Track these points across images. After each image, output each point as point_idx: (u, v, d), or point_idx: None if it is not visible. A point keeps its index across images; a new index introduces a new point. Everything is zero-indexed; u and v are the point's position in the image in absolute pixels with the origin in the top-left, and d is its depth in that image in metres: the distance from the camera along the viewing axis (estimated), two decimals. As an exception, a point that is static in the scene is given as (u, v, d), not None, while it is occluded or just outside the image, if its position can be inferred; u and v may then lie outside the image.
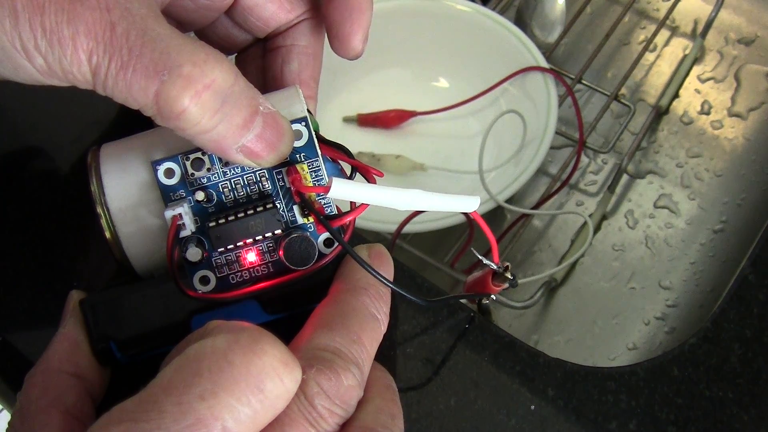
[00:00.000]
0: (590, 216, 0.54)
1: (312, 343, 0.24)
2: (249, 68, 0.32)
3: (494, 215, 0.59)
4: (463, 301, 0.35)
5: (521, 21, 0.64)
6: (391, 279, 0.27)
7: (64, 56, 0.22)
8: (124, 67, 0.22)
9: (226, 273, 0.26)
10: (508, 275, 0.28)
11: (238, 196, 0.26)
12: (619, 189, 0.60)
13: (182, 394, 0.20)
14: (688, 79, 0.64)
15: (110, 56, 0.22)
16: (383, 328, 0.26)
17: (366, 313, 0.26)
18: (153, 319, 0.27)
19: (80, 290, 0.28)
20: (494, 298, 0.31)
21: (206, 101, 0.23)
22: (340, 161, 0.27)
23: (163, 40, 0.22)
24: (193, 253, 0.26)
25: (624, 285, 0.56)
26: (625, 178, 0.60)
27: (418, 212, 0.35)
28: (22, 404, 0.25)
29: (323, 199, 0.26)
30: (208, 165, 0.26)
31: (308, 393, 0.22)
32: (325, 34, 0.30)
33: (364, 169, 0.27)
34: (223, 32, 0.31)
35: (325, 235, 0.27)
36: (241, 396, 0.20)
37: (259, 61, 0.31)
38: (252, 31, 0.31)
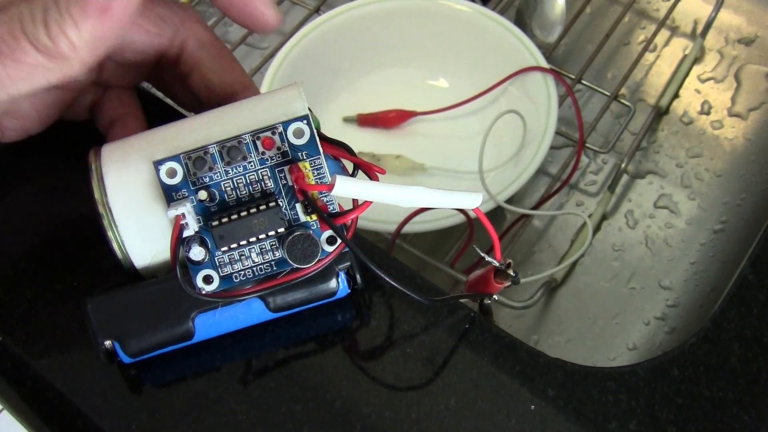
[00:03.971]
0: (590, 216, 0.54)
1: None
2: (176, 88, 0.32)
3: (494, 215, 0.59)
4: (463, 300, 0.35)
5: (521, 21, 0.64)
6: None
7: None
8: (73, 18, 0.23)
9: (229, 272, 0.26)
10: (511, 272, 0.29)
11: (241, 194, 0.26)
12: (619, 189, 0.60)
13: None
14: (688, 79, 0.64)
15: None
16: None
17: None
18: (156, 319, 0.27)
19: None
20: (496, 298, 0.31)
21: None
22: (342, 159, 0.27)
23: None
24: (196, 253, 0.25)
25: (624, 285, 0.56)
26: (625, 178, 0.60)
27: (418, 211, 0.35)
28: None
29: (326, 196, 0.26)
30: (210, 164, 0.26)
31: None
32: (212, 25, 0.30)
33: (367, 167, 0.27)
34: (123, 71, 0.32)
35: (328, 232, 0.27)
36: None
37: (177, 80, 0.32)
38: (138, 65, 0.31)
